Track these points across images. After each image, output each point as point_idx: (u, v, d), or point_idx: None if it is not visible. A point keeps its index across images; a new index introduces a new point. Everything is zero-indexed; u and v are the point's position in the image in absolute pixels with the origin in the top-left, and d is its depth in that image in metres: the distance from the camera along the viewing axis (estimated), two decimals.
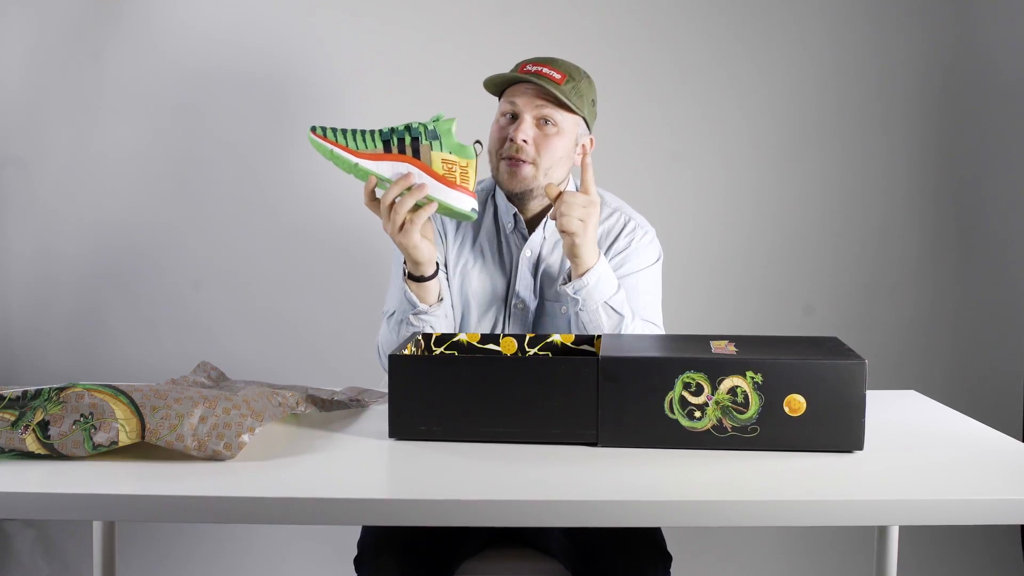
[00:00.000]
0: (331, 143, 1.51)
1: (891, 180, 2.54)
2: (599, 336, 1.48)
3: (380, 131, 1.53)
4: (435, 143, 1.51)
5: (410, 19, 2.45)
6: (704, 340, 1.39)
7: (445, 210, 1.53)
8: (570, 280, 1.61)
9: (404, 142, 1.51)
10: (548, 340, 1.50)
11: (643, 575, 1.48)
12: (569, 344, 1.50)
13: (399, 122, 1.55)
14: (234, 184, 2.48)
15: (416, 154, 1.51)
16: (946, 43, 2.51)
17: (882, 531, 1.57)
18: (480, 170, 1.60)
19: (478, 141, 1.60)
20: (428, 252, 1.58)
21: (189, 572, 2.49)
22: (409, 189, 1.51)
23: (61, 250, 2.48)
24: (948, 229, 2.56)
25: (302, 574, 2.50)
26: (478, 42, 2.46)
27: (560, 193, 1.58)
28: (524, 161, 1.68)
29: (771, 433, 1.26)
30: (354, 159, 1.51)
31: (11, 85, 2.44)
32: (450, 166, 1.51)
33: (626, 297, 1.70)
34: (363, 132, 1.52)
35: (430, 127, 1.51)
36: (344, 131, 1.52)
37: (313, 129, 1.53)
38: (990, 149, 2.54)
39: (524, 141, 1.67)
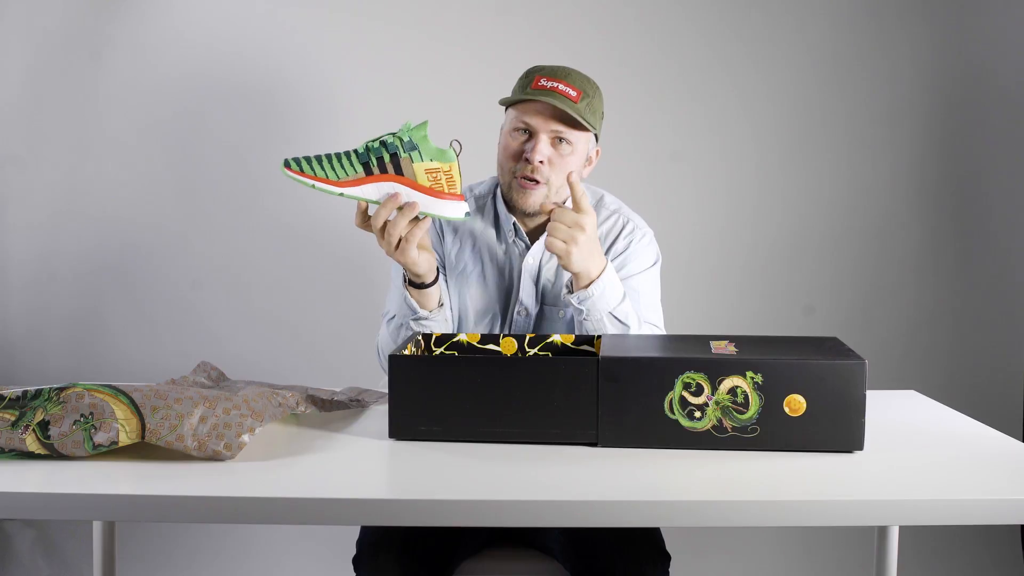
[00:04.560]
0: (310, 177, 1.46)
1: (891, 180, 2.54)
2: (599, 336, 1.48)
3: (356, 152, 1.48)
4: (414, 154, 1.47)
5: (407, 20, 2.45)
6: (704, 340, 1.39)
7: (439, 219, 1.52)
8: (573, 290, 1.60)
9: (384, 160, 1.47)
10: (548, 340, 1.50)
11: (642, 575, 1.48)
12: (569, 344, 1.50)
13: (385, 129, 1.51)
14: (234, 184, 2.48)
15: (398, 170, 1.47)
16: (946, 43, 2.51)
17: (882, 531, 1.57)
18: (465, 171, 1.55)
19: (455, 140, 1.58)
20: (427, 264, 1.57)
21: (189, 572, 2.49)
22: (400, 209, 1.47)
23: (61, 250, 2.48)
24: (948, 229, 2.56)
25: (301, 574, 2.50)
26: (476, 42, 2.46)
27: (553, 209, 1.56)
28: (538, 182, 1.67)
29: (771, 433, 1.26)
30: (338, 189, 1.47)
31: (11, 85, 2.44)
32: (435, 175, 1.48)
33: (632, 304, 1.70)
34: (339, 156, 1.47)
35: (405, 138, 1.47)
36: (319, 159, 1.47)
37: (287, 164, 1.47)
38: (990, 149, 2.54)
39: (540, 162, 1.66)
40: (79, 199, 2.47)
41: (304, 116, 2.48)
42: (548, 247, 1.55)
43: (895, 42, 2.50)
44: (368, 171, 1.47)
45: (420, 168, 1.47)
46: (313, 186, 1.46)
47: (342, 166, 1.47)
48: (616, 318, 1.60)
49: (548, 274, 1.75)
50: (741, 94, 2.49)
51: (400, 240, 1.50)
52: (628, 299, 1.63)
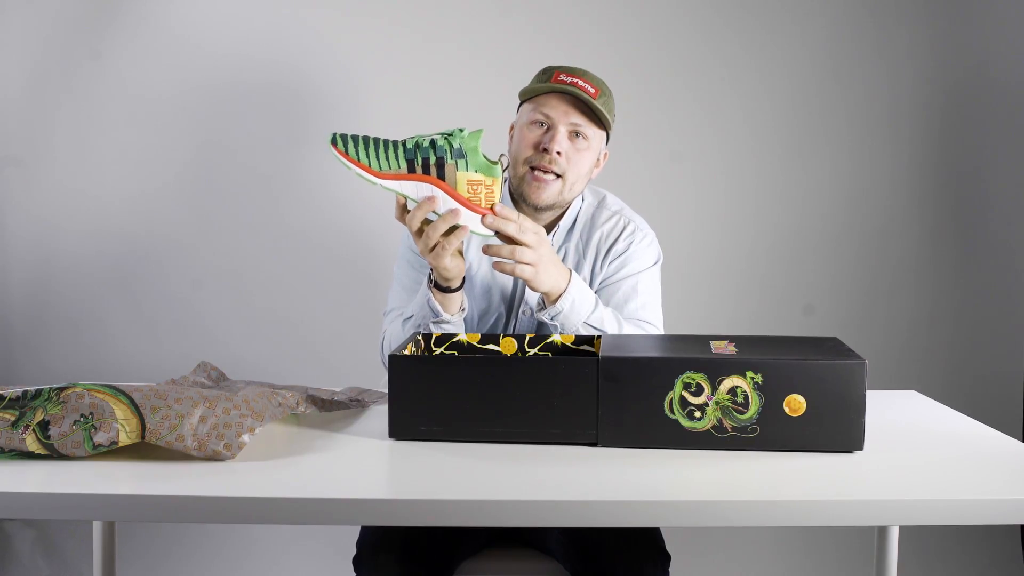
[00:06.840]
0: (352, 161, 1.44)
1: (891, 180, 2.54)
2: (599, 336, 1.48)
3: (404, 147, 1.45)
4: (460, 162, 1.44)
5: (411, 20, 2.45)
6: (704, 340, 1.39)
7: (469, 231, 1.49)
8: (544, 307, 1.59)
9: (429, 161, 1.44)
10: (548, 340, 1.50)
11: (642, 574, 1.48)
12: (569, 344, 1.50)
13: (407, 124, 1.49)
14: (234, 184, 2.48)
15: (441, 174, 1.45)
16: (947, 43, 2.51)
17: (882, 531, 1.57)
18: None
19: (504, 155, 1.57)
20: (458, 268, 1.56)
21: (189, 572, 2.49)
22: (440, 215, 1.45)
23: (61, 250, 2.48)
24: (948, 229, 2.56)
25: (301, 574, 2.50)
26: (481, 41, 2.46)
27: (493, 246, 1.51)
28: (555, 174, 1.67)
29: (771, 433, 1.26)
30: (377, 180, 1.45)
31: (11, 85, 2.44)
32: (475, 187, 1.45)
33: (616, 304, 1.70)
34: (385, 145, 1.45)
35: (456, 144, 1.44)
36: (366, 143, 1.45)
37: (334, 141, 1.45)
38: (990, 149, 2.54)
39: (558, 153, 1.66)
40: (79, 199, 2.47)
41: (304, 115, 2.47)
42: (513, 273, 1.52)
43: (895, 42, 2.50)
44: (411, 168, 1.45)
45: (463, 177, 1.45)
46: (353, 170, 1.45)
47: (387, 157, 1.45)
48: (591, 326, 1.60)
49: None
50: (741, 94, 2.49)
51: (437, 244, 1.48)
52: (602, 307, 1.62)
